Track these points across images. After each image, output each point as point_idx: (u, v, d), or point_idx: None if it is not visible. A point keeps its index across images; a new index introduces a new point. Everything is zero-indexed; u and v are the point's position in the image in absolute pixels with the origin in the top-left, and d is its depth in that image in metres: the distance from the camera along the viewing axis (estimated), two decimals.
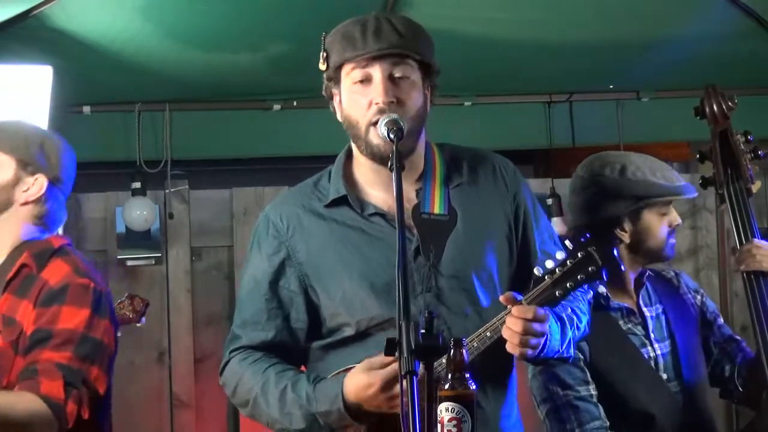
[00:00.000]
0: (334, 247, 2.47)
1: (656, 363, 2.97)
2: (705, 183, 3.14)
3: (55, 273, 2.60)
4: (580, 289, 2.39)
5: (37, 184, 2.67)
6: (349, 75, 2.40)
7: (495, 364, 2.46)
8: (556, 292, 2.34)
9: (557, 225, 4.98)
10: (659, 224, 2.98)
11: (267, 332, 2.50)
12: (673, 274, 3.18)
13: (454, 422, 2.09)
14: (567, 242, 2.38)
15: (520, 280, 2.51)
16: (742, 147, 3.10)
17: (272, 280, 2.51)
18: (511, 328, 2.30)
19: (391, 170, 2.21)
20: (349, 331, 2.46)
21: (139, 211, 4.84)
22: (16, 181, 2.66)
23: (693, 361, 3.01)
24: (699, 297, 3.15)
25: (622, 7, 3.95)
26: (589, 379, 2.90)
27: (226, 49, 4.12)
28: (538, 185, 5.35)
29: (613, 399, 2.91)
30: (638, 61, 4.52)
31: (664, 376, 2.96)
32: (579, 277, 2.34)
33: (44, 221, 2.70)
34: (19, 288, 2.60)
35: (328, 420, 2.37)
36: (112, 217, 4.99)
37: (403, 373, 1.94)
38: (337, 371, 2.43)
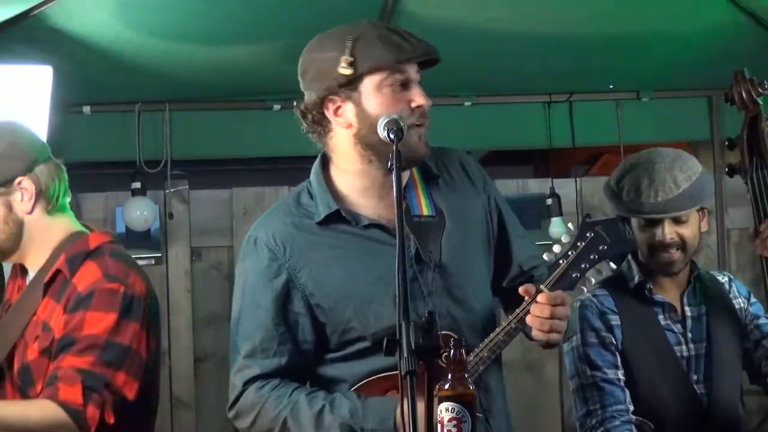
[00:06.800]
0: (338, 262, 2.43)
1: (688, 363, 2.98)
2: (731, 171, 3.09)
3: (85, 278, 2.56)
4: (596, 269, 2.41)
5: (24, 190, 2.60)
6: (386, 79, 2.37)
7: (500, 376, 2.50)
8: (573, 275, 2.38)
9: (557, 225, 4.98)
10: (639, 237, 2.95)
11: (280, 358, 2.44)
12: (727, 278, 3.15)
13: (454, 422, 2.09)
14: (570, 225, 2.44)
15: (501, 267, 2.55)
16: None
17: (278, 305, 2.44)
18: (540, 315, 2.32)
19: (390, 170, 2.20)
20: (365, 343, 2.42)
21: (139, 211, 4.84)
22: (9, 207, 2.60)
23: (727, 366, 2.99)
24: (746, 304, 3.11)
25: (622, 6, 3.95)
26: (619, 363, 2.94)
27: (226, 49, 4.12)
28: (538, 185, 5.36)
29: (631, 387, 2.93)
30: (638, 61, 4.53)
31: (695, 377, 2.97)
32: (592, 257, 2.39)
33: (53, 203, 2.64)
34: (56, 293, 2.58)
35: None
36: (112, 217, 4.99)
37: (403, 374, 1.94)
38: (363, 381, 2.42)
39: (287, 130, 4.89)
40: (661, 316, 3.00)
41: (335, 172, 2.49)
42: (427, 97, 2.39)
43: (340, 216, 2.44)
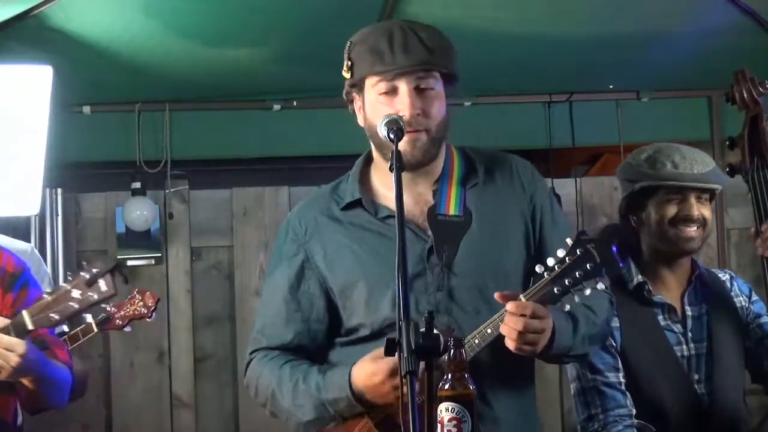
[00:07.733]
0: (351, 249, 2.50)
1: (689, 362, 2.98)
2: (732, 170, 3.09)
3: (3, 260, 2.68)
4: (580, 286, 2.35)
5: None
6: (375, 87, 2.42)
7: (512, 362, 2.45)
8: (555, 290, 2.33)
9: None
10: (657, 214, 2.99)
11: (286, 335, 2.54)
12: (728, 276, 3.17)
13: (454, 422, 2.10)
14: (568, 240, 2.38)
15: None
16: None
17: (291, 283, 2.54)
18: (509, 324, 2.31)
19: (391, 170, 2.23)
20: (365, 332, 2.49)
21: (139, 211, 4.84)
22: None
23: (729, 365, 3.00)
24: (748, 302, 3.12)
25: (622, 6, 3.95)
26: (620, 366, 2.94)
27: (226, 49, 4.12)
28: None
29: (632, 389, 2.93)
30: (638, 61, 4.52)
31: (695, 377, 2.97)
32: (577, 274, 2.33)
33: None
34: None
35: (338, 408, 2.40)
36: (112, 217, 4.99)
37: (403, 373, 1.95)
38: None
39: (287, 130, 4.99)
40: (660, 317, 3.00)
41: (374, 167, 2.57)
42: (415, 105, 2.39)
43: (361, 205, 2.51)
